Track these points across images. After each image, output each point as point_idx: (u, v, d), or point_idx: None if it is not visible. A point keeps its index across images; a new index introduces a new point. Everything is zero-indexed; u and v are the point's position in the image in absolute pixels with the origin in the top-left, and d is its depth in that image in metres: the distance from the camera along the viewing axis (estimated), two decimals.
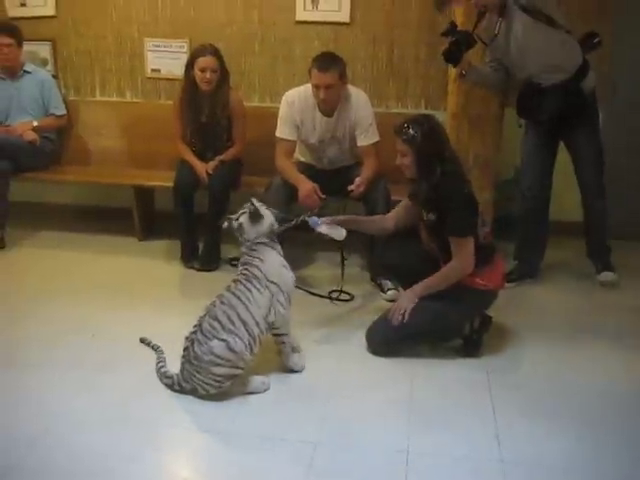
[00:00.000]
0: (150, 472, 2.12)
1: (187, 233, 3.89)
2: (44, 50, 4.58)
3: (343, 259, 3.35)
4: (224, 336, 2.42)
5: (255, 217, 2.65)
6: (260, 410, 2.45)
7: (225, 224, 2.71)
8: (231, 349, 2.40)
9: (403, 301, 2.83)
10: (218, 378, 2.42)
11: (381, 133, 3.57)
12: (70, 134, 4.55)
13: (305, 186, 3.44)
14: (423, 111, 4.26)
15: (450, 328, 2.89)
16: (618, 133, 4.07)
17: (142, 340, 2.87)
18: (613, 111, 4.02)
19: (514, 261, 3.73)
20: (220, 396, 2.48)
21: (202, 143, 3.95)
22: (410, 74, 4.26)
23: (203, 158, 3.89)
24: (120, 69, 4.57)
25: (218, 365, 2.40)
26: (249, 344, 2.47)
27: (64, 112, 4.43)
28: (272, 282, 2.59)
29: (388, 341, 2.85)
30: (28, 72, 4.32)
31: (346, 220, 2.99)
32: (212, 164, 3.82)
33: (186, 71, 3.81)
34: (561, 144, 3.54)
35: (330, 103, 3.49)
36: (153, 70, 4.52)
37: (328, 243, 3.05)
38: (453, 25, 3.22)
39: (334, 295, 3.42)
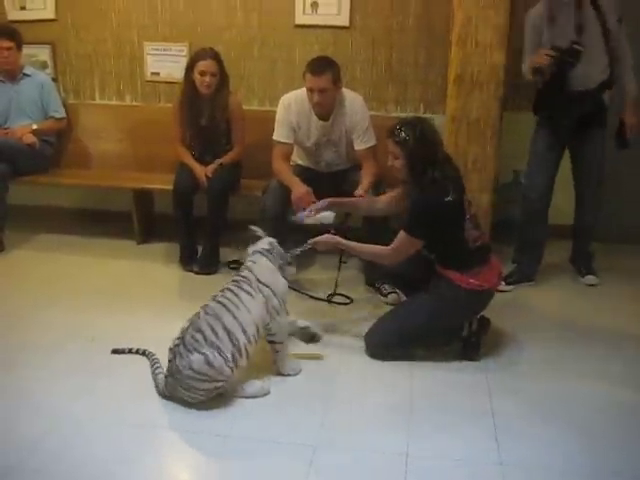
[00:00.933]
0: (149, 475, 2.12)
1: (186, 236, 3.89)
2: (44, 53, 4.59)
3: (341, 262, 3.36)
4: (204, 349, 2.37)
5: (254, 239, 2.75)
6: (259, 413, 2.45)
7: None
8: (210, 363, 2.36)
9: (325, 238, 2.92)
10: (200, 392, 2.40)
11: (380, 137, 3.54)
12: (69, 137, 4.55)
13: (299, 189, 3.44)
14: (422, 115, 4.27)
15: (447, 329, 2.90)
16: None
17: (115, 351, 2.82)
18: None
19: (513, 264, 3.74)
20: (218, 400, 2.49)
21: (201, 146, 3.96)
22: (409, 78, 4.27)
23: (202, 161, 3.90)
24: (120, 72, 4.58)
25: (198, 380, 2.37)
26: (232, 357, 2.42)
27: (63, 115, 4.44)
28: (264, 284, 2.59)
29: (387, 344, 2.86)
30: (27, 75, 4.32)
31: (339, 202, 3.13)
32: (211, 167, 3.83)
33: (186, 74, 3.81)
34: None
35: (324, 107, 3.50)
36: (153, 73, 4.52)
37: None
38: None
39: (333, 298, 3.43)
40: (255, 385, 2.56)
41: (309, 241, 2.93)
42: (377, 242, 2.90)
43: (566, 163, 3.59)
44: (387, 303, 3.40)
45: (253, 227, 2.81)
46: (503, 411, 2.48)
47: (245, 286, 2.56)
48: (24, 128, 4.24)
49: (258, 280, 2.59)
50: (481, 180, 3.63)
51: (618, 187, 3.66)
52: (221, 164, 3.85)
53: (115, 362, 2.76)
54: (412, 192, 2.82)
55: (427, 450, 2.24)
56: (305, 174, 3.65)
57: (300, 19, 4.25)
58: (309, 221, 2.98)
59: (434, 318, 2.80)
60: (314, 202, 3.38)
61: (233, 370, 2.43)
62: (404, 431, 2.34)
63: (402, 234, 2.75)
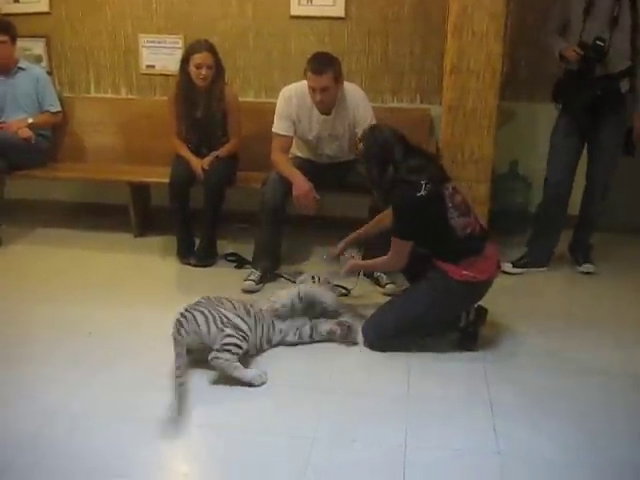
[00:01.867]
0: (149, 469, 2.12)
1: (183, 229, 3.88)
2: (38, 47, 4.56)
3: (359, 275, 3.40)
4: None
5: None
6: (257, 406, 2.45)
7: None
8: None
9: (349, 266, 3.12)
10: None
11: None
12: (65, 131, 4.54)
13: (301, 185, 3.43)
14: (418, 105, 4.27)
15: (444, 320, 2.90)
16: None
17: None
18: None
19: (526, 247, 3.78)
20: (217, 393, 2.50)
21: (197, 139, 3.94)
22: (405, 68, 4.25)
23: (198, 154, 3.88)
24: (115, 65, 4.56)
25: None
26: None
27: (59, 109, 4.41)
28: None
29: (384, 336, 2.86)
30: (22, 69, 4.29)
31: (353, 238, 3.24)
32: (207, 160, 3.81)
33: (181, 67, 3.79)
34: None
35: (327, 104, 3.48)
36: (148, 66, 4.50)
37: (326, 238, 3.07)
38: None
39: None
40: (252, 372, 2.58)
41: (341, 272, 3.17)
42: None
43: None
44: (385, 294, 3.40)
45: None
46: (501, 401, 2.48)
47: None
48: (19, 122, 4.22)
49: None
50: (478, 170, 3.63)
51: (620, 177, 3.66)
52: (217, 156, 3.84)
53: (113, 355, 2.76)
54: (379, 197, 2.93)
55: (426, 441, 2.25)
56: (305, 166, 3.63)
57: (295, 10, 4.23)
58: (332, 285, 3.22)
59: (430, 309, 2.80)
60: (316, 198, 3.39)
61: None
62: (402, 422, 2.34)
63: (394, 240, 2.82)
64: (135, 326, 2.99)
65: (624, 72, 3.38)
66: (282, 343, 2.89)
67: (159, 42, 4.43)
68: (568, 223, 3.77)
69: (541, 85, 4.04)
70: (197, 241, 3.89)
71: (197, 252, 3.86)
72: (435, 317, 2.85)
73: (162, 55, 4.44)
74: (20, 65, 4.29)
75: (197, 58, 3.70)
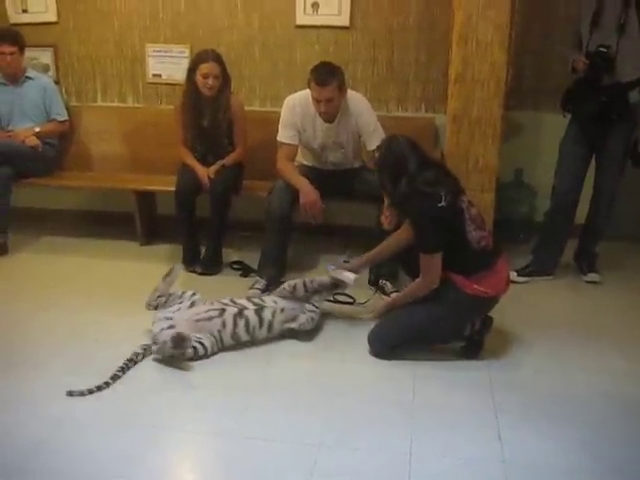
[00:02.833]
0: (153, 475, 2.12)
1: (189, 237, 3.90)
2: (46, 56, 4.60)
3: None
4: None
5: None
6: (263, 412, 2.46)
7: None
8: None
9: (381, 307, 3.06)
10: None
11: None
12: (72, 139, 4.56)
13: (308, 193, 3.44)
14: (423, 114, 4.28)
15: (450, 331, 2.89)
16: None
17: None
18: None
19: (531, 255, 3.79)
20: (221, 400, 2.51)
21: (203, 147, 3.96)
22: (410, 77, 4.27)
23: (204, 162, 3.90)
24: (121, 74, 4.59)
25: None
26: None
27: (66, 118, 4.44)
28: None
29: (390, 344, 2.86)
30: (30, 78, 4.33)
31: (364, 262, 3.15)
32: (213, 168, 3.83)
33: (188, 76, 3.81)
34: None
35: (331, 114, 3.50)
36: (154, 75, 4.53)
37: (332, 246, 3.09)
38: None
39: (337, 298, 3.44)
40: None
41: (373, 315, 3.11)
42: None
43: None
44: None
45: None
46: (506, 409, 2.48)
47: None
48: (27, 131, 4.25)
49: None
50: (483, 179, 3.63)
51: (625, 186, 3.66)
52: (223, 165, 3.86)
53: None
54: (393, 208, 2.94)
55: (431, 449, 2.25)
56: (311, 173, 3.64)
57: (301, 19, 4.25)
58: (333, 274, 3.11)
59: (437, 320, 2.79)
60: (322, 207, 3.41)
61: None
62: (408, 430, 2.34)
63: (422, 257, 2.74)
64: (141, 333, 2.99)
65: (634, 83, 3.38)
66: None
67: (166, 52, 4.46)
68: (573, 232, 3.77)
69: (546, 94, 4.06)
70: (203, 249, 3.90)
71: (203, 260, 3.87)
72: (442, 328, 2.84)
73: (168, 64, 4.47)
74: (28, 74, 4.33)
75: (204, 68, 3.72)
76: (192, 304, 2.98)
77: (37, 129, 4.28)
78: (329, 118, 3.52)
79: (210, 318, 2.87)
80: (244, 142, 3.98)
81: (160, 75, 4.52)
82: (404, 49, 4.22)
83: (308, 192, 3.45)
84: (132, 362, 2.73)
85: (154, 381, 2.64)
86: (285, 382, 2.67)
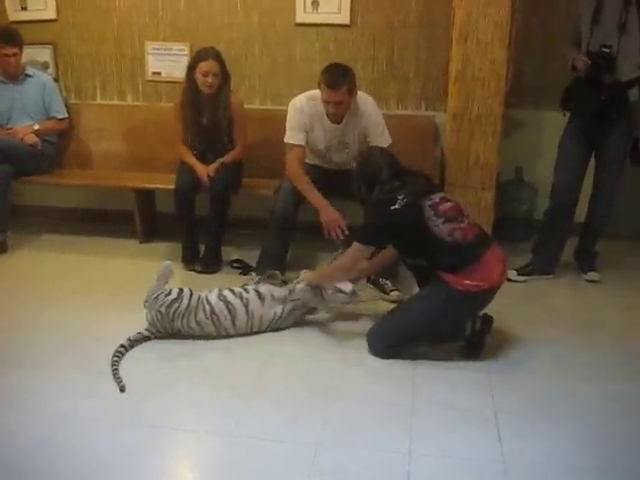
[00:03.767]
0: (154, 474, 2.12)
1: (188, 235, 3.89)
2: (45, 54, 4.59)
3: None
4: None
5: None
6: (261, 412, 2.46)
7: None
8: None
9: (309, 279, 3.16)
10: None
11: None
12: (71, 137, 4.56)
13: (329, 214, 3.41)
14: (423, 112, 4.27)
15: (450, 329, 2.89)
16: None
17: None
18: None
19: (531, 254, 3.78)
20: (221, 399, 2.50)
21: (203, 146, 3.95)
22: (410, 75, 4.26)
23: (204, 160, 3.90)
24: (121, 72, 4.58)
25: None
26: None
27: (65, 115, 4.44)
28: None
29: (389, 343, 2.85)
30: (29, 76, 4.32)
31: (358, 277, 3.28)
32: (213, 166, 3.82)
33: (187, 74, 3.80)
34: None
35: (340, 116, 3.49)
36: (154, 73, 4.52)
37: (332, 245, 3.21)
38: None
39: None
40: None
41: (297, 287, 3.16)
42: None
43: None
44: (389, 300, 3.39)
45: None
46: (506, 409, 2.48)
47: None
48: (26, 128, 4.24)
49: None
50: (483, 177, 3.64)
51: (625, 185, 3.66)
52: (223, 163, 3.85)
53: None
54: (365, 214, 3.23)
55: (430, 449, 2.24)
56: (315, 172, 3.63)
57: (301, 17, 4.25)
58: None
59: (434, 318, 2.79)
60: (344, 224, 3.40)
61: None
62: (407, 430, 2.34)
63: (354, 244, 2.91)
64: (140, 331, 2.99)
65: (633, 81, 3.37)
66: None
67: (165, 49, 4.45)
68: (573, 231, 3.76)
69: (546, 92, 4.05)
70: (202, 247, 3.90)
71: (202, 258, 3.87)
72: (440, 325, 2.84)
73: (168, 62, 4.46)
74: (27, 72, 4.32)
75: (204, 66, 3.71)
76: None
77: (36, 127, 4.28)
78: (337, 119, 3.51)
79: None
80: (244, 140, 3.97)
81: (160, 73, 4.51)
82: (404, 47, 4.22)
83: (328, 212, 3.42)
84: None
85: (154, 380, 2.64)
86: (283, 382, 2.66)
